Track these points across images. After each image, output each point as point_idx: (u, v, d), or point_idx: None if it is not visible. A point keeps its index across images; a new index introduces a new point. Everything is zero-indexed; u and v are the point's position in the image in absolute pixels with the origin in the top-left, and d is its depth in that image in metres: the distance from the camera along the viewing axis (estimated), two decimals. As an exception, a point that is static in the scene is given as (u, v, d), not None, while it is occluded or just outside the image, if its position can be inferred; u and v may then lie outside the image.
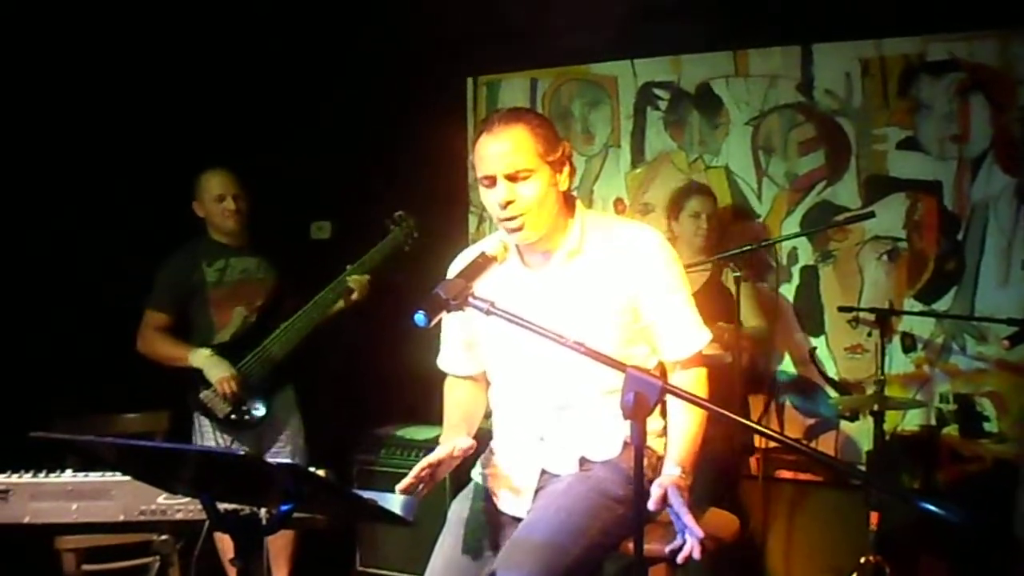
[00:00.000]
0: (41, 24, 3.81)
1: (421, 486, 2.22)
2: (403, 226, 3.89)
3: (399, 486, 2.17)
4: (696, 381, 2.43)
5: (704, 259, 3.85)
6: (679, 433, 2.31)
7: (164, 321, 3.71)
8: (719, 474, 3.78)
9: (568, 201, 2.41)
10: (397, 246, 3.87)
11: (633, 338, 2.39)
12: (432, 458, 2.24)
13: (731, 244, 3.92)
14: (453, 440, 2.30)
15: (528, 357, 2.35)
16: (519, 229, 2.29)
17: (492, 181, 2.28)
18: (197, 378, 3.64)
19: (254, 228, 3.87)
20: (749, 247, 3.77)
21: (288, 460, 3.73)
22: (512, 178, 2.26)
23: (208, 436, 3.69)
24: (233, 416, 3.66)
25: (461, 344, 2.55)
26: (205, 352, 3.65)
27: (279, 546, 3.84)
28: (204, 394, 3.64)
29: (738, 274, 3.71)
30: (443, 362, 2.62)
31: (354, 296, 3.75)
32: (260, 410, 3.70)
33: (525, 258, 2.41)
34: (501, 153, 2.26)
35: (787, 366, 4.21)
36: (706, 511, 2.79)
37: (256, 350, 3.68)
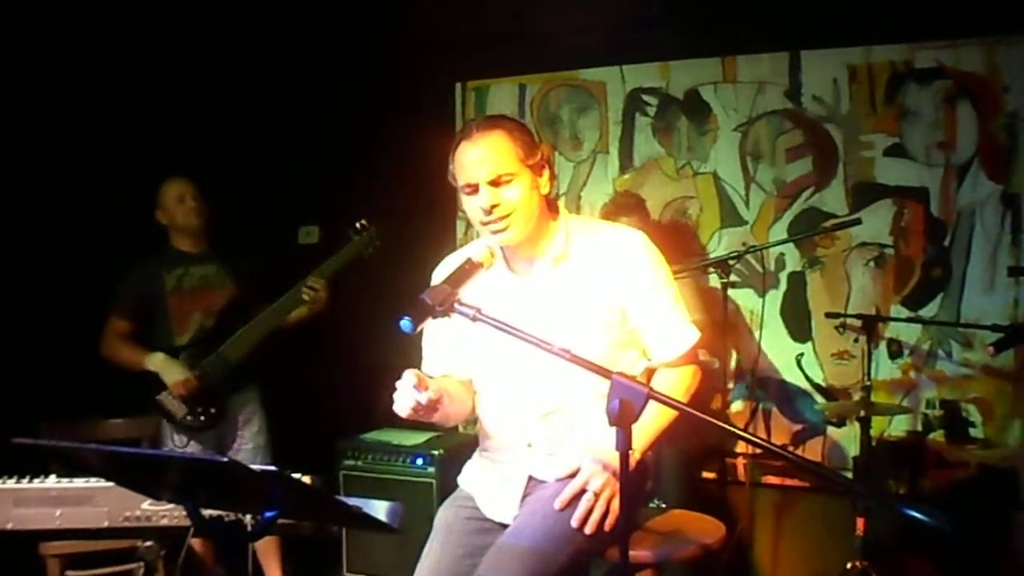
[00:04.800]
0: (25, 29, 3.80)
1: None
2: (364, 235, 3.94)
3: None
4: (681, 377, 2.44)
5: (691, 265, 3.85)
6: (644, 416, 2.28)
7: (126, 328, 3.82)
8: (690, 475, 3.81)
9: (551, 206, 2.43)
10: (357, 254, 3.92)
11: (623, 342, 2.40)
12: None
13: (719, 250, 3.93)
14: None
15: (515, 363, 2.35)
16: (504, 230, 2.30)
17: (475, 188, 2.30)
18: (156, 382, 3.74)
19: (214, 237, 3.98)
20: (736, 253, 3.79)
21: (247, 461, 3.77)
22: (495, 183, 2.28)
23: (167, 438, 3.79)
24: (189, 417, 3.76)
25: (447, 348, 2.54)
26: (159, 356, 3.76)
27: (267, 544, 3.91)
28: (161, 396, 3.74)
29: (726, 280, 3.71)
30: (428, 367, 2.60)
31: (310, 304, 3.84)
32: (215, 412, 3.80)
33: (512, 264, 2.42)
34: (482, 159, 2.28)
35: (773, 371, 4.21)
36: (681, 512, 2.78)
37: (213, 354, 3.78)
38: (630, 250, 2.39)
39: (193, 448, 3.76)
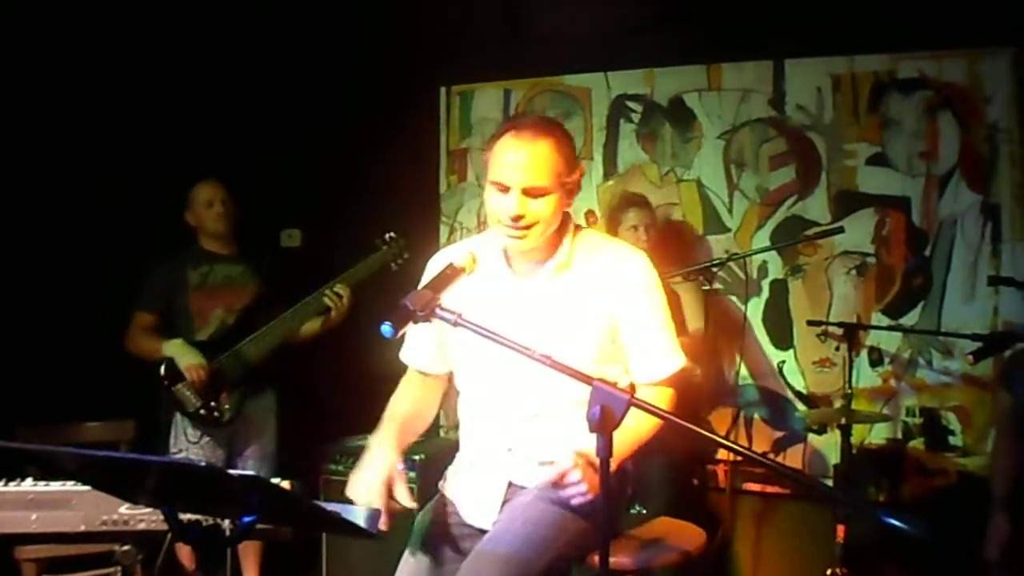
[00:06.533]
0: (32, 31, 3.82)
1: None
2: (392, 246, 3.93)
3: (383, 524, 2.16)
4: (659, 396, 2.41)
5: (676, 271, 3.85)
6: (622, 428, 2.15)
7: (150, 321, 3.84)
8: (676, 482, 3.80)
9: (564, 216, 2.41)
10: (383, 265, 3.91)
11: (609, 357, 2.39)
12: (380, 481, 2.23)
13: (702, 258, 3.94)
14: (386, 458, 2.29)
15: (498, 367, 2.34)
16: (521, 238, 2.28)
17: (506, 189, 2.25)
18: (173, 374, 3.71)
19: (241, 238, 3.99)
20: (719, 260, 3.80)
21: (253, 468, 3.77)
22: (528, 192, 2.23)
23: (180, 432, 3.77)
24: (203, 411, 3.73)
25: (431, 340, 2.51)
26: (177, 342, 3.75)
27: (248, 548, 3.89)
28: (177, 387, 3.72)
29: (708, 287, 3.72)
30: (407, 356, 2.57)
31: (332, 314, 3.84)
32: (229, 408, 3.77)
33: (513, 265, 2.40)
34: (522, 164, 2.22)
35: (754, 379, 4.22)
36: (661, 519, 2.79)
37: (231, 350, 3.77)
38: (630, 270, 2.38)
39: (206, 442, 3.75)
